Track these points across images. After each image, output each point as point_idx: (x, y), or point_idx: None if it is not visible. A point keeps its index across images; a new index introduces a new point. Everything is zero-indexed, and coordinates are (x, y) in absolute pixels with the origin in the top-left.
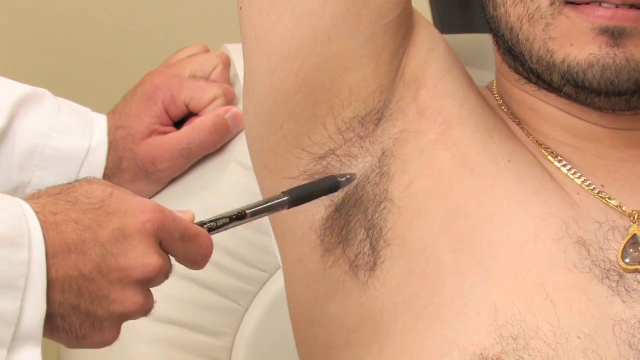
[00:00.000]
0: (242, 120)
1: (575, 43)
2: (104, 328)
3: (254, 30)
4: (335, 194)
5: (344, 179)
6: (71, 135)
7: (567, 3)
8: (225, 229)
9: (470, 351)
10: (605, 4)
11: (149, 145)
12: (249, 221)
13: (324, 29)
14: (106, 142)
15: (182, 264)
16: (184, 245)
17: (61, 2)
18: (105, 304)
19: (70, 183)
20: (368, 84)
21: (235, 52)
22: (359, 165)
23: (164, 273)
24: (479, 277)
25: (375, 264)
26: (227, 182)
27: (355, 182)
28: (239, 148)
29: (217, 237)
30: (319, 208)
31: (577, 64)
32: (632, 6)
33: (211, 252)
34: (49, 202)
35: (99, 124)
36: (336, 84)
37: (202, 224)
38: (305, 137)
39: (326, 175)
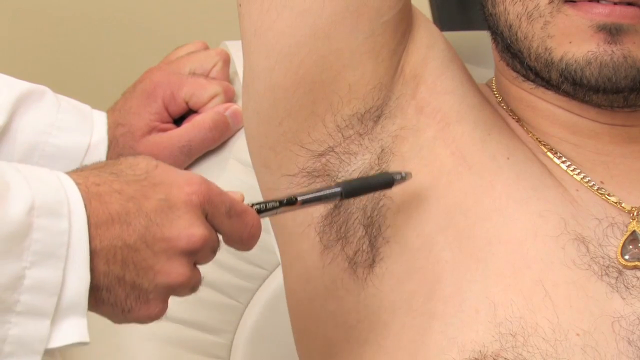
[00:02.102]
0: (242, 118)
1: (574, 41)
2: (150, 301)
3: (253, 27)
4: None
5: (399, 176)
6: (71, 133)
7: (566, 1)
8: (275, 214)
9: (469, 348)
10: (603, 1)
11: (149, 142)
12: (298, 208)
13: (324, 26)
14: (106, 140)
15: (229, 243)
16: (230, 221)
17: (61, 0)
18: (151, 275)
19: (115, 159)
20: (367, 81)
21: (235, 49)
22: (358, 163)
23: (209, 246)
24: (478, 274)
25: (374, 261)
26: (227, 180)
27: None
28: (239, 145)
29: None
30: (317, 206)
31: (575, 61)
32: (629, 3)
33: (259, 233)
34: (92, 174)
35: (99, 121)
36: (335, 81)
37: (251, 205)
38: (304, 135)
39: (381, 172)
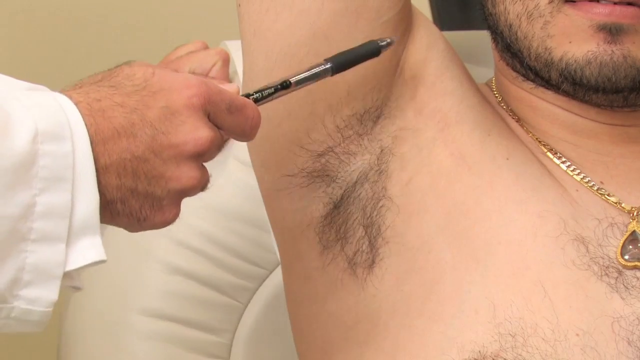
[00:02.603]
0: None
1: (574, 40)
2: (164, 207)
3: (252, 27)
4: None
5: (384, 42)
6: None
7: (566, 1)
8: (272, 99)
9: (469, 349)
10: (603, 1)
11: None
12: (294, 90)
13: (323, 26)
14: None
15: (231, 136)
16: (232, 116)
17: (61, 0)
18: (163, 183)
19: (110, 69)
20: (366, 82)
21: (234, 49)
22: (357, 163)
23: (215, 145)
24: (477, 274)
25: (373, 261)
26: (226, 179)
27: (357, 173)
28: (239, 145)
29: (217, 235)
30: (317, 205)
31: (575, 61)
32: (629, 3)
33: (259, 123)
34: (92, 90)
35: None
36: (334, 82)
37: (247, 95)
38: (303, 135)
39: (368, 40)
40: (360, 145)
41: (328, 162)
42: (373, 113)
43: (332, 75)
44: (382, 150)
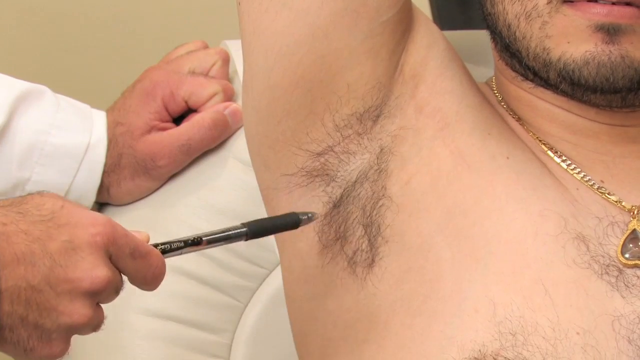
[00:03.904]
0: (242, 116)
1: (572, 40)
2: (52, 341)
3: (252, 26)
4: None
5: (305, 217)
6: (71, 132)
7: (565, 1)
8: (180, 254)
9: (469, 347)
10: (601, 1)
11: (148, 141)
12: (204, 248)
13: (322, 26)
14: (106, 139)
15: (133, 283)
16: (135, 262)
17: (61, 0)
18: (54, 316)
19: (22, 196)
20: (366, 81)
21: (234, 48)
22: (357, 162)
23: (113, 287)
24: (478, 273)
25: (373, 260)
26: (227, 179)
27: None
28: (238, 144)
29: None
30: (317, 204)
31: (573, 61)
32: (628, 3)
33: (163, 273)
34: (0, 213)
35: (99, 120)
36: (334, 81)
37: (155, 245)
38: (303, 134)
39: (288, 212)
40: (360, 144)
41: (327, 161)
42: (373, 112)
43: (246, 240)
44: (381, 150)
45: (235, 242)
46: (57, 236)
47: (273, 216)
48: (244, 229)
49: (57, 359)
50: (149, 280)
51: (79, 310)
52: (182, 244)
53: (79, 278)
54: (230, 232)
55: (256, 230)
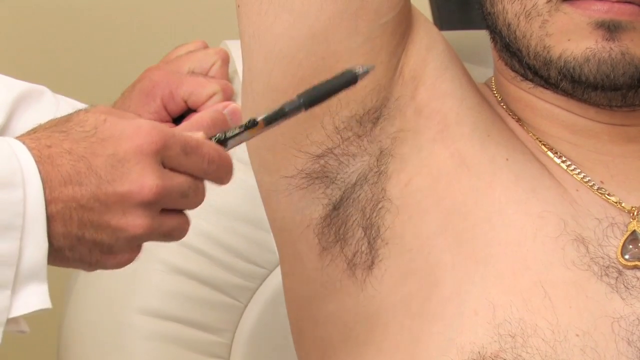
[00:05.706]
0: (241, 116)
1: (572, 38)
2: (115, 252)
3: (251, 29)
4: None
5: (360, 69)
6: None
7: (564, 0)
8: (240, 141)
9: (468, 349)
10: None
11: None
12: (262, 130)
13: (322, 28)
14: None
15: (202, 178)
16: (188, 158)
17: (61, 0)
18: (109, 232)
19: (68, 114)
20: (366, 83)
21: (234, 48)
22: (357, 164)
23: (176, 190)
24: (477, 275)
25: (373, 262)
26: None
27: (356, 174)
28: (238, 145)
29: (217, 235)
30: (316, 207)
31: (574, 58)
32: (628, 1)
33: (226, 163)
34: (44, 136)
35: None
36: None
37: (210, 138)
38: (303, 136)
39: (342, 71)
40: (360, 146)
41: (327, 163)
42: (372, 114)
43: (305, 110)
44: (381, 152)
45: (294, 115)
46: (102, 151)
47: (328, 79)
48: (300, 100)
49: (126, 265)
50: (212, 172)
51: (134, 222)
52: (238, 129)
53: (128, 190)
54: (286, 107)
55: (312, 97)
